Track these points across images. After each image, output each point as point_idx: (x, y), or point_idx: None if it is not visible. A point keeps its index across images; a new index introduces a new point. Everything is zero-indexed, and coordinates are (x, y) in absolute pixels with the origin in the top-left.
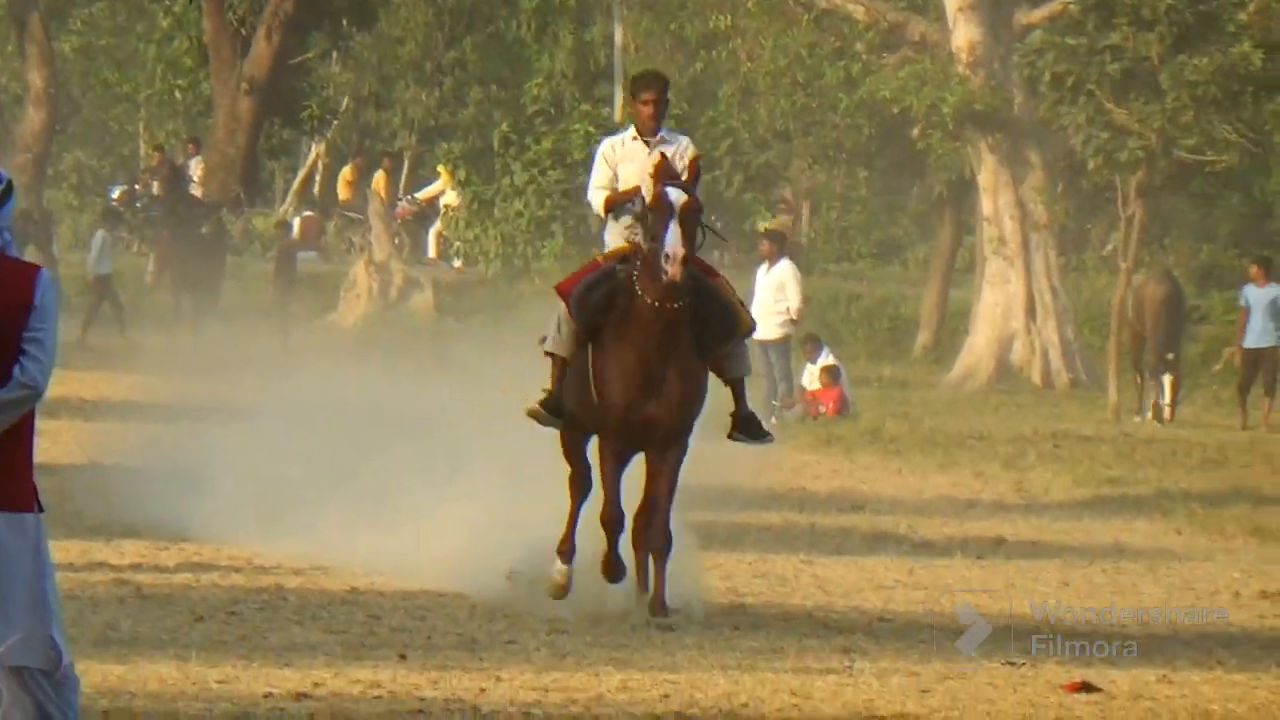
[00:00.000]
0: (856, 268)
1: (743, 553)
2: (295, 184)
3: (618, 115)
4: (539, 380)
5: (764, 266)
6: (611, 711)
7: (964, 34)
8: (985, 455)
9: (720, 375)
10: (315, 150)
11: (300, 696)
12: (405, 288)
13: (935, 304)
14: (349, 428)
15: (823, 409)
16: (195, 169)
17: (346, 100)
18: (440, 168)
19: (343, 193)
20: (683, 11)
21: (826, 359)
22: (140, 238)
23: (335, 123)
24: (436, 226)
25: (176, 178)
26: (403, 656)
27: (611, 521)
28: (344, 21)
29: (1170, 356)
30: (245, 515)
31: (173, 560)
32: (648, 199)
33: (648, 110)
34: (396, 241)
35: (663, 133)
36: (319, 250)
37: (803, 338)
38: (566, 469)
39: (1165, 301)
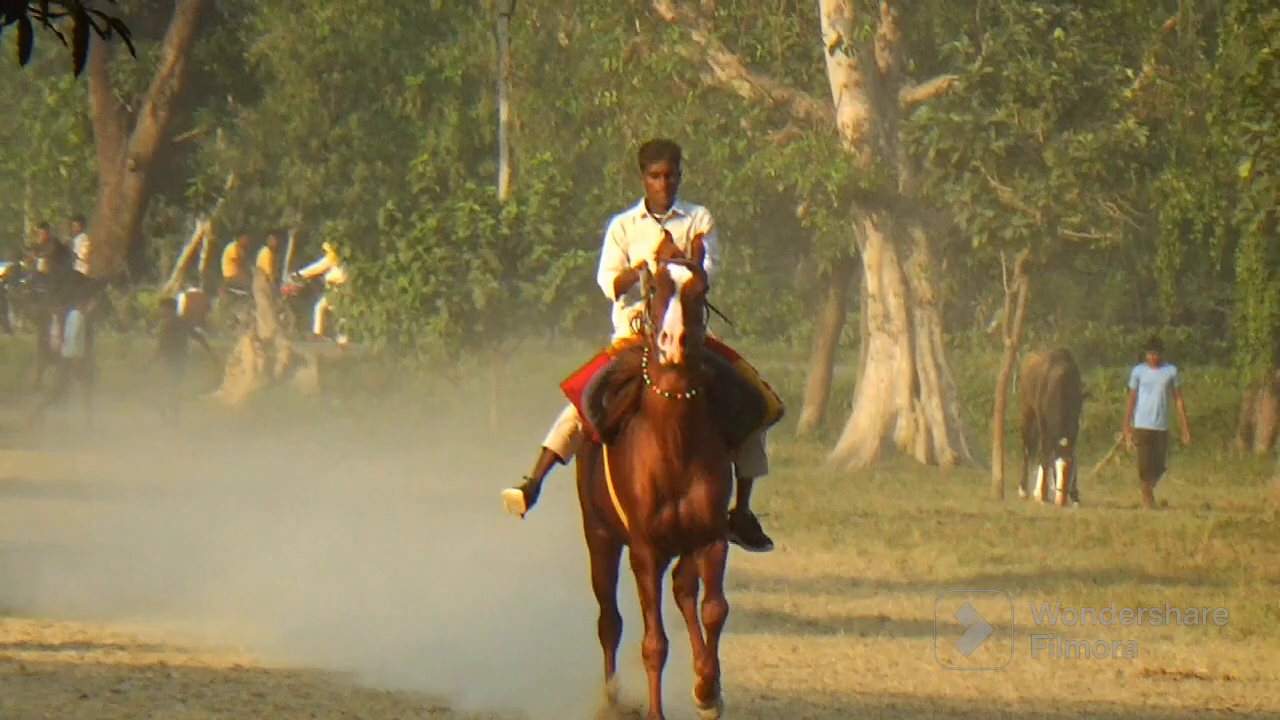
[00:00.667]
0: (741, 344)
1: (626, 633)
2: (180, 260)
3: (503, 193)
4: (417, 455)
5: None
6: None
7: (849, 110)
8: (869, 533)
9: (735, 472)
10: (201, 227)
11: None
12: (290, 364)
13: (820, 380)
14: (233, 506)
15: None
16: (80, 246)
17: (232, 177)
18: (326, 245)
19: (228, 269)
20: (568, 88)
21: None
22: (25, 314)
23: (221, 200)
24: (322, 303)
25: (62, 255)
26: None
27: (656, 654)
28: (229, 98)
29: (1064, 442)
30: (129, 593)
31: (57, 638)
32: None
33: (658, 184)
34: (282, 318)
35: (676, 206)
36: (204, 327)
37: None
38: (596, 609)
39: (1061, 382)
